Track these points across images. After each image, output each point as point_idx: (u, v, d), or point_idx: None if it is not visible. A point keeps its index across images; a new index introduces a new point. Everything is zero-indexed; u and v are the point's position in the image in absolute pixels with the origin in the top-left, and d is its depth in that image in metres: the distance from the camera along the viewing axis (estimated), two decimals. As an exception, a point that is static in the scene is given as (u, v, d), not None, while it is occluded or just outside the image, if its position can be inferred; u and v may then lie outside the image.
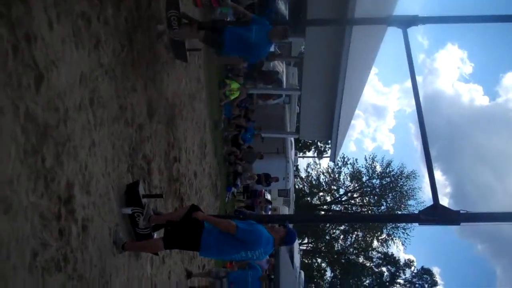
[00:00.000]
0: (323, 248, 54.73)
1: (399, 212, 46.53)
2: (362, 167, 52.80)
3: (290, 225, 6.51)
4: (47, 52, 4.01)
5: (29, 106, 3.69)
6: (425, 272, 52.84)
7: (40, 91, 3.87)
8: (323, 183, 55.59)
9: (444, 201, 75.38)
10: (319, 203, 55.29)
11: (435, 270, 71.62)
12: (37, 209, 3.74)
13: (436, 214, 7.07)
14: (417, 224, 7.50)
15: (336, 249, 53.56)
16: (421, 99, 8.16)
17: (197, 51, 10.61)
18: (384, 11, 13.73)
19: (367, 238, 51.88)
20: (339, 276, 53.98)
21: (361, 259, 53.26)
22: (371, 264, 53.16)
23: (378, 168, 51.94)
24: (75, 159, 4.46)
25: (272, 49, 22.41)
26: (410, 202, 48.99)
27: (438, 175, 73.11)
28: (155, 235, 6.44)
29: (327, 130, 18.90)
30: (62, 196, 4.16)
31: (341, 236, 53.09)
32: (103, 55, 5.34)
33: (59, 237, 4.07)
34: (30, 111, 3.70)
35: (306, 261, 52.78)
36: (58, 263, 4.02)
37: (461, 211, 7.06)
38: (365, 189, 53.05)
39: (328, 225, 49.69)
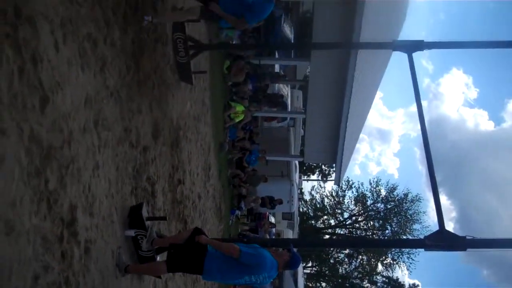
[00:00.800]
0: (327, 271, 54.26)
1: (404, 237, 46.17)
2: (367, 191, 52.63)
3: (295, 249, 6.44)
4: (53, 74, 4.02)
5: (33, 127, 3.68)
6: (430, 297, 52.30)
7: (45, 112, 3.87)
8: (328, 207, 55.31)
9: (450, 225, 74.92)
10: (323, 226, 54.96)
11: (441, 295, 71.00)
12: (40, 232, 3.71)
13: (441, 240, 6.99)
14: (422, 249, 7.43)
15: (340, 273, 53.12)
16: (426, 123, 8.14)
17: (202, 74, 10.65)
18: (389, 36, 13.82)
19: (372, 262, 51.46)
20: (343, 300, 53.49)
21: (365, 283, 52.78)
22: (376, 289, 52.67)
23: (383, 192, 51.77)
24: (79, 181, 4.45)
25: (277, 69, 22.56)
26: (415, 226, 48.66)
27: (443, 199, 72.73)
28: (158, 258, 6.39)
29: (332, 153, 18.88)
30: (65, 219, 4.13)
31: (346, 260, 52.67)
32: (109, 77, 5.35)
33: (61, 259, 4.03)
34: (34, 133, 3.69)
35: (310, 284, 52.34)
36: (59, 286, 3.97)
37: (467, 237, 6.98)
38: (369, 213, 52.77)
39: (332, 249, 49.33)
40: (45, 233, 3.79)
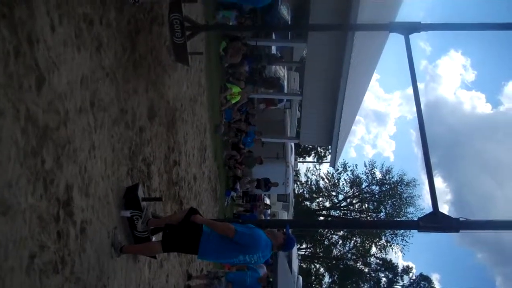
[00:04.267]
0: (321, 253, 54.67)
1: (398, 219, 46.45)
2: (362, 173, 52.84)
3: (290, 231, 6.49)
4: (48, 54, 4.01)
5: (29, 108, 3.68)
6: (423, 279, 52.83)
7: (41, 93, 3.86)
8: (323, 189, 55.58)
9: (445, 208, 75.64)
10: (318, 208, 55.27)
11: (435, 277, 71.67)
12: (36, 211, 3.73)
13: (435, 221, 7.04)
14: (416, 231, 7.49)
15: (334, 254, 53.52)
16: (422, 105, 8.15)
17: (199, 55, 10.61)
18: (386, 17, 13.76)
19: (366, 244, 51.83)
20: (337, 282, 53.93)
21: (359, 265, 53.22)
22: (369, 270, 53.10)
23: (378, 175, 51.97)
24: (75, 161, 4.46)
25: (274, 51, 22.48)
26: (410, 209, 49.03)
27: (438, 182, 73.09)
28: (154, 239, 6.43)
29: (328, 136, 18.92)
30: (61, 199, 4.15)
31: (340, 242, 53.08)
32: (105, 58, 5.34)
33: (57, 239, 4.06)
34: (30, 113, 3.69)
35: (304, 266, 52.71)
36: (55, 265, 4.00)
37: (460, 219, 7.03)
38: (364, 195, 53.04)
39: (326, 230, 49.63)
40: (41, 213, 3.80)
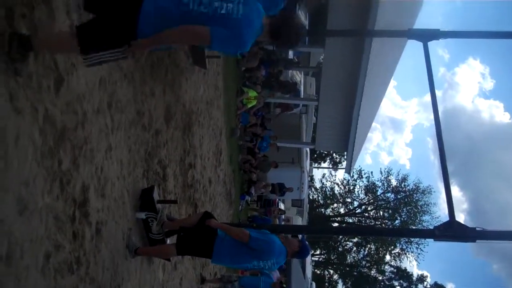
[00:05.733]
0: (335, 259, 54.39)
1: (414, 227, 46.09)
2: (378, 181, 52.49)
3: (302, 236, 6.47)
4: (67, 55, 4.03)
5: (48, 108, 3.70)
6: (438, 288, 52.33)
7: (59, 93, 3.89)
8: (338, 195, 55.31)
9: (461, 217, 74.82)
10: (332, 214, 55.00)
11: (450, 286, 70.94)
12: (52, 211, 3.74)
13: (451, 230, 7.00)
14: (432, 239, 7.43)
15: (348, 261, 53.22)
16: (440, 113, 8.10)
17: (216, 58, 10.63)
18: (405, 24, 13.69)
19: (380, 252, 51.46)
20: (351, 289, 53.66)
21: (373, 273, 52.85)
22: (383, 278, 52.72)
23: (394, 182, 51.61)
24: (91, 162, 4.48)
25: (291, 56, 22.45)
26: (425, 217, 48.55)
27: (455, 190, 72.59)
28: (168, 241, 6.44)
29: (343, 142, 18.85)
30: (77, 199, 4.17)
31: (354, 249, 52.75)
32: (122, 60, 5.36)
33: (72, 239, 4.07)
34: (49, 114, 3.71)
35: (318, 272, 52.50)
36: (70, 265, 4.02)
37: (477, 228, 6.98)
38: (379, 203, 52.68)
39: (341, 237, 49.34)
40: (57, 213, 3.82)
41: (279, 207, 23.76)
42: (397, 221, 49.50)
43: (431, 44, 8.73)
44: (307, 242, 6.46)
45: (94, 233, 4.53)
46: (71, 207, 4.06)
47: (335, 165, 55.12)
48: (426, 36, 8.80)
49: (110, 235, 4.97)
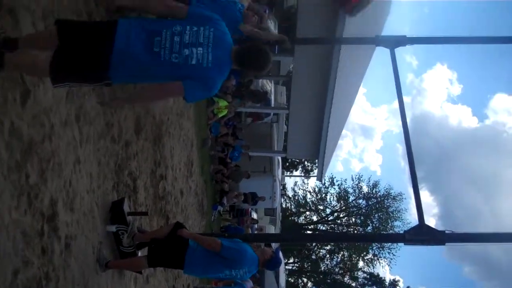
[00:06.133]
0: (309, 267, 54.52)
1: (385, 232, 46.49)
2: (349, 187, 52.90)
3: (276, 245, 6.47)
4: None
5: (14, 121, 3.65)
6: (411, 292, 52.81)
7: (26, 106, 3.84)
8: (310, 203, 55.54)
9: (431, 222, 75.93)
10: (305, 222, 55.19)
11: (422, 290, 71.51)
12: (20, 226, 3.68)
13: (421, 234, 7.07)
14: (402, 244, 7.51)
15: (322, 269, 53.38)
16: (408, 119, 8.21)
17: None
18: (373, 31, 13.87)
19: (353, 258, 51.77)
20: (325, 296, 53.79)
21: (346, 279, 53.09)
22: (357, 284, 53.00)
23: (365, 189, 52.07)
24: (60, 175, 4.42)
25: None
26: (396, 223, 49.08)
27: (425, 195, 73.38)
28: (140, 254, 6.38)
29: (315, 149, 18.94)
30: (46, 213, 4.11)
31: (327, 256, 52.95)
32: (91, 72, 5.31)
33: (41, 254, 4.01)
34: (15, 127, 3.66)
35: (291, 280, 52.50)
36: (39, 281, 3.95)
37: (446, 231, 7.07)
38: (351, 209, 53.06)
39: (314, 244, 49.51)
40: (25, 228, 3.76)
41: (252, 216, 23.73)
42: (369, 227, 49.91)
43: (399, 51, 8.85)
44: (280, 253, 6.46)
45: (64, 248, 4.47)
46: (40, 222, 4.00)
47: (307, 173, 55.39)
48: (393, 42, 8.90)
49: (80, 249, 4.91)
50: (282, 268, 25.64)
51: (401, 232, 7.44)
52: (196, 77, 3.65)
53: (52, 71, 3.45)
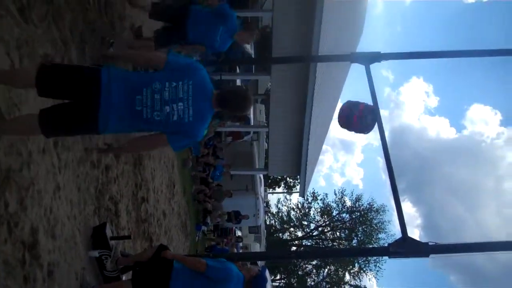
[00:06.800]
0: (295, 283, 54.31)
1: (370, 246, 46.59)
2: (332, 202, 53.03)
3: (262, 266, 6.47)
4: (9, 96, 3.99)
5: (-9, 150, 3.64)
6: (398, 304, 52.83)
7: (2, 137, 3.83)
8: (294, 219, 55.53)
9: (416, 233, 76.20)
10: (290, 238, 55.13)
11: (410, 301, 71.58)
12: (0, 256, 3.65)
13: (405, 247, 7.11)
14: (387, 257, 7.54)
15: (308, 284, 53.22)
16: (387, 132, 8.30)
17: None
18: (348, 48, 14.06)
19: (339, 272, 51.73)
20: (313, 312, 53.56)
21: (334, 294, 52.99)
22: (344, 298, 52.89)
23: (348, 203, 52.24)
24: (39, 203, 4.40)
25: (238, 84, 22.69)
26: (381, 235, 49.24)
27: (408, 206, 73.91)
28: (124, 278, 6.33)
29: (296, 166, 19.03)
30: (27, 242, 4.08)
31: (314, 271, 52.84)
32: (68, 97, 5.31)
33: (23, 284, 3.97)
34: (-8, 156, 3.65)
35: (279, 297, 52.25)
36: (22, 310, 3.91)
37: (429, 243, 7.11)
38: (335, 224, 53.15)
39: (300, 260, 49.41)
40: (6, 257, 3.73)
41: (237, 234, 23.69)
42: (354, 241, 50.01)
43: (374, 66, 8.98)
44: (267, 270, 6.44)
45: (46, 275, 4.43)
46: (21, 250, 3.97)
47: (289, 189, 55.48)
48: (368, 59, 9.02)
49: (63, 276, 4.86)
50: (269, 286, 25.51)
51: (386, 244, 7.48)
52: (179, 131, 3.88)
53: (43, 129, 3.66)
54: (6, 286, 3.68)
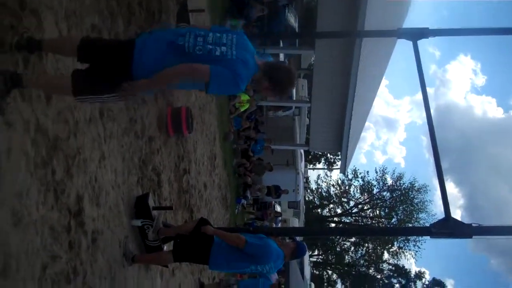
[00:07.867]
0: (333, 260, 54.43)
1: (410, 225, 46.17)
2: (373, 180, 52.53)
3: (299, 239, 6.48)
4: (57, 65, 4.04)
5: (39, 118, 3.70)
6: (437, 284, 52.42)
7: (50, 103, 3.88)
8: (333, 195, 55.34)
9: (457, 213, 75.10)
10: (329, 215, 55.04)
11: (449, 282, 70.99)
12: (47, 222, 3.73)
13: (447, 227, 7.02)
14: (428, 237, 7.46)
15: (346, 261, 53.27)
16: (432, 111, 8.15)
17: (201, 12, 10.38)
18: (394, 23, 13.74)
19: (378, 250, 51.53)
20: (350, 288, 53.71)
21: (371, 271, 52.92)
22: (382, 276, 52.79)
23: (389, 181, 51.67)
24: (85, 171, 4.47)
25: (281, 59, 22.55)
26: (422, 215, 48.64)
27: (451, 187, 72.62)
28: (165, 248, 6.43)
29: (337, 142, 18.87)
30: (72, 209, 4.16)
31: (352, 248, 52.80)
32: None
33: (69, 249, 4.06)
34: (40, 124, 3.71)
35: (316, 272, 52.48)
36: (67, 275, 4.00)
37: (473, 224, 7.01)
38: (375, 202, 52.75)
39: (338, 237, 49.40)
40: (52, 224, 3.81)
41: (276, 209, 23.76)
42: (393, 219, 49.59)
43: (421, 43, 8.78)
44: (303, 243, 6.47)
45: (90, 243, 4.52)
46: (66, 217, 4.06)
47: (330, 166, 55.22)
48: (416, 35, 8.84)
49: (107, 243, 4.96)
50: (306, 260, 25.63)
51: (426, 224, 7.40)
52: (221, 64, 3.57)
53: (74, 84, 3.53)
54: (52, 251, 3.77)
